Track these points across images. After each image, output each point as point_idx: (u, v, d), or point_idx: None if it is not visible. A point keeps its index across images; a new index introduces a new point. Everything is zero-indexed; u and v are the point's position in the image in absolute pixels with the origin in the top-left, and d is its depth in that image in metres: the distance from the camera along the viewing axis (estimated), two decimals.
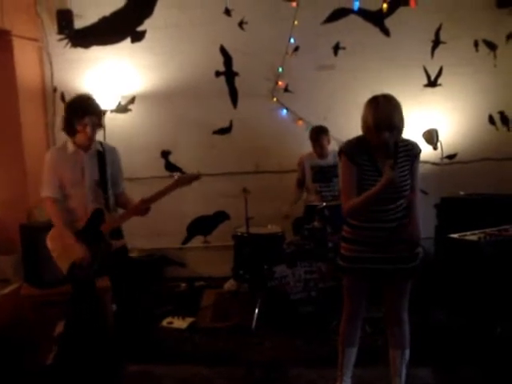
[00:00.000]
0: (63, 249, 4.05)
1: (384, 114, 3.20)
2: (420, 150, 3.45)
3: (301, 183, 6.04)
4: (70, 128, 4.03)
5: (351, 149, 3.37)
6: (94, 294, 4.19)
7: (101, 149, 4.16)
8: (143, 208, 4.09)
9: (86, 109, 3.98)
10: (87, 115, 3.96)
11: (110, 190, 4.19)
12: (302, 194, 6.08)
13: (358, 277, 3.46)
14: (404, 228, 3.34)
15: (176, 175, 4.19)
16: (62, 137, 6.53)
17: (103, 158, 4.14)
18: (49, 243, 4.17)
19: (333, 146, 5.90)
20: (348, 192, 3.32)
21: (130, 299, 4.35)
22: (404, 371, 3.55)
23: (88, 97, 4.12)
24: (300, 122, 6.57)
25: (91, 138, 4.05)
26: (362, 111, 3.31)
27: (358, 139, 3.41)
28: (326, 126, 5.92)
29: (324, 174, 5.86)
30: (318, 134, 5.81)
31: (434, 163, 6.48)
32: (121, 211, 4.31)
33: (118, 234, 4.23)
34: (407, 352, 3.55)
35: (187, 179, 4.14)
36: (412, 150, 3.40)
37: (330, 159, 5.82)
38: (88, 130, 3.97)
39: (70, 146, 4.09)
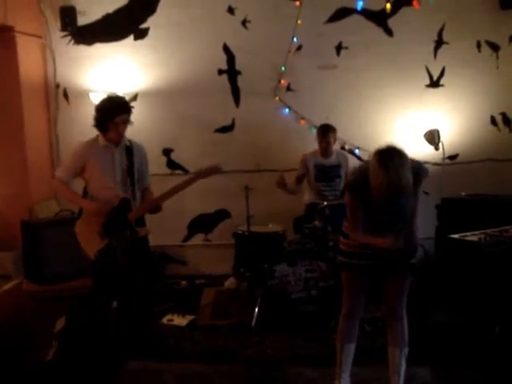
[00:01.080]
0: (90, 233, 4.20)
1: (391, 176, 3.08)
2: (426, 175, 3.38)
3: (300, 180, 6.01)
4: (101, 126, 4.21)
5: (357, 188, 3.34)
6: (117, 282, 4.29)
7: (129, 144, 4.36)
8: (156, 206, 4.43)
9: (117, 109, 4.18)
10: (118, 115, 4.15)
11: (137, 184, 4.39)
12: (299, 190, 6.02)
13: (357, 272, 3.49)
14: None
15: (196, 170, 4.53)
16: (64, 133, 6.66)
17: (131, 152, 4.35)
18: (76, 229, 4.31)
19: (335, 146, 5.92)
20: (354, 225, 3.40)
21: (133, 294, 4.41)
22: (403, 370, 3.56)
23: (118, 96, 4.40)
24: (302, 121, 6.57)
25: (122, 135, 4.26)
26: (372, 165, 3.19)
27: (363, 176, 3.27)
28: (333, 126, 5.92)
29: (326, 174, 5.85)
30: (326, 131, 5.81)
31: (435, 164, 6.47)
32: None
33: (141, 222, 4.43)
34: (406, 350, 3.56)
35: (206, 173, 4.49)
36: (418, 174, 3.28)
37: (333, 159, 5.83)
38: (120, 128, 4.19)
39: (102, 141, 4.26)
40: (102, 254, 4.17)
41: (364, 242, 3.33)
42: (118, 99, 4.30)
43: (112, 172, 4.26)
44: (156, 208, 4.44)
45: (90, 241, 4.21)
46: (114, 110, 4.15)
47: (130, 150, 4.35)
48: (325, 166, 5.88)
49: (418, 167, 3.33)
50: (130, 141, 4.38)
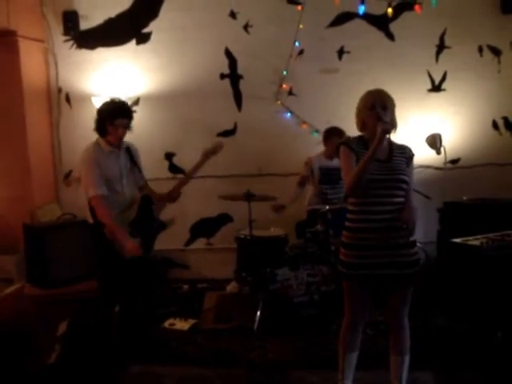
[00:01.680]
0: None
1: (377, 94, 3.44)
2: (413, 154, 3.55)
3: (302, 183, 6.01)
4: (101, 128, 4.21)
5: (349, 141, 3.49)
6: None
7: (127, 146, 4.40)
8: (176, 194, 4.60)
9: (118, 112, 4.18)
10: (119, 118, 4.16)
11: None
12: (301, 194, 6.04)
13: (358, 283, 3.46)
14: (399, 215, 3.34)
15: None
16: (66, 137, 6.67)
17: (131, 153, 4.39)
18: (110, 235, 4.14)
19: None
20: (348, 172, 3.38)
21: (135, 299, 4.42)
22: (405, 376, 3.56)
23: (121, 100, 4.32)
24: (304, 126, 6.58)
25: (121, 139, 4.26)
26: (357, 106, 3.52)
27: (356, 137, 3.55)
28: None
29: (330, 176, 5.85)
30: (342, 134, 5.79)
31: (437, 168, 6.48)
32: None
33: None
34: (407, 358, 3.55)
35: (213, 150, 4.71)
36: (406, 152, 3.51)
37: (337, 161, 5.81)
38: (119, 131, 4.18)
39: (104, 145, 4.23)
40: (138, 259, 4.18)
41: (362, 165, 3.26)
42: (120, 103, 4.28)
43: (119, 176, 4.25)
44: (176, 197, 4.60)
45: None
46: (115, 113, 4.15)
47: (130, 152, 4.38)
48: (329, 169, 5.88)
49: (406, 147, 3.57)
50: (125, 142, 4.39)
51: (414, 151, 3.55)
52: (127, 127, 4.25)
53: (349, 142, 3.46)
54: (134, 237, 4.16)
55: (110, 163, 4.20)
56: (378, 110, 3.34)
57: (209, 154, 4.68)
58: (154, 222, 4.42)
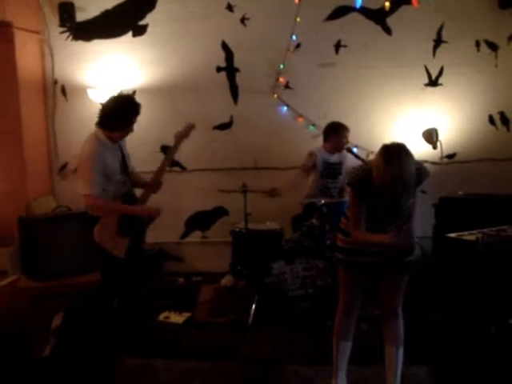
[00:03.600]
0: (112, 237, 4.18)
1: (400, 172, 3.15)
2: (427, 176, 3.45)
3: (307, 170, 5.94)
4: (113, 125, 4.13)
5: (358, 179, 3.36)
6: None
7: None
8: (156, 184, 4.48)
9: (135, 111, 4.18)
10: (135, 117, 4.20)
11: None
12: (301, 180, 5.98)
13: (354, 269, 3.48)
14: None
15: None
16: (61, 129, 6.64)
17: (121, 147, 4.33)
18: (97, 237, 4.20)
19: None
20: (356, 223, 3.38)
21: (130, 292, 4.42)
22: (400, 368, 3.57)
23: (131, 97, 4.38)
24: (300, 119, 6.57)
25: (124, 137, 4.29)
26: (377, 158, 3.26)
27: (366, 173, 3.33)
28: (326, 123, 5.93)
29: (332, 171, 5.85)
30: (346, 131, 5.79)
31: (433, 162, 6.47)
32: None
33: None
34: (402, 348, 3.57)
35: (185, 132, 4.65)
36: (420, 174, 3.36)
37: (336, 156, 5.81)
38: (132, 127, 4.22)
39: (104, 138, 4.15)
40: (131, 250, 4.22)
41: (365, 240, 3.32)
42: (133, 101, 4.22)
43: (119, 167, 4.24)
44: (158, 186, 4.50)
45: (116, 244, 4.18)
46: (132, 113, 4.15)
47: (120, 145, 4.33)
48: (330, 163, 5.87)
49: (420, 168, 3.39)
50: None
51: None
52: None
53: (357, 182, 3.35)
54: (123, 235, 4.18)
55: (111, 156, 4.17)
56: (399, 190, 3.18)
57: (181, 136, 4.63)
58: (139, 219, 4.35)
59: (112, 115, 4.10)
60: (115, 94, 4.38)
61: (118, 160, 4.24)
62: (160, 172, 4.49)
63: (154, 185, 4.47)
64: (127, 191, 4.33)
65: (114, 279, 4.29)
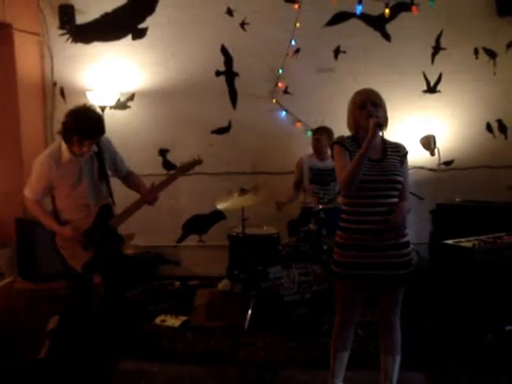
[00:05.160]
0: (72, 246, 4.02)
1: (366, 93, 3.46)
2: (407, 151, 3.54)
3: (297, 185, 6.07)
4: (67, 138, 3.92)
5: (343, 140, 3.47)
6: (90, 289, 4.23)
7: (96, 149, 4.10)
8: (152, 197, 4.26)
9: (90, 134, 3.89)
10: (89, 139, 3.90)
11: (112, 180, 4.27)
12: (298, 196, 6.11)
13: (351, 283, 3.46)
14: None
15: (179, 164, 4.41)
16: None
17: (100, 156, 4.13)
18: (59, 241, 4.09)
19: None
20: (342, 171, 3.34)
21: (123, 296, 4.39)
22: (395, 376, 3.56)
23: (98, 120, 3.97)
24: (298, 124, 6.58)
25: (84, 154, 4.01)
26: (348, 107, 3.52)
27: (349, 136, 3.53)
28: (329, 128, 5.95)
29: (322, 177, 5.87)
30: (318, 130, 5.88)
31: (430, 169, 6.51)
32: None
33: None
34: (398, 358, 3.56)
35: (188, 166, 4.41)
36: (400, 150, 3.51)
37: (329, 163, 5.82)
38: (84, 149, 3.93)
39: (66, 153, 3.99)
40: (89, 266, 4.03)
41: (356, 161, 3.24)
42: (95, 123, 3.92)
43: (79, 184, 4.04)
44: (153, 200, 4.28)
45: (74, 254, 4.03)
46: (87, 134, 3.86)
47: (98, 155, 4.12)
48: (321, 169, 5.90)
49: (400, 144, 3.57)
50: (97, 143, 4.08)
51: (408, 152, 3.54)
52: (93, 145, 4.01)
53: (342, 141, 3.45)
54: (86, 249, 4.02)
55: (68, 171, 4.00)
56: (369, 108, 3.35)
57: (184, 170, 4.44)
58: (109, 235, 4.15)
59: (67, 129, 3.91)
60: (80, 105, 4.05)
61: (79, 176, 4.03)
62: (157, 188, 4.29)
63: (148, 198, 4.26)
64: (104, 205, 4.17)
65: (74, 288, 4.21)
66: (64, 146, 3.98)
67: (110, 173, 4.28)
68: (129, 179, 4.45)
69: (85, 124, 3.86)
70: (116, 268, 4.29)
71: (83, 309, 4.22)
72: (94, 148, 4.07)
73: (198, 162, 4.50)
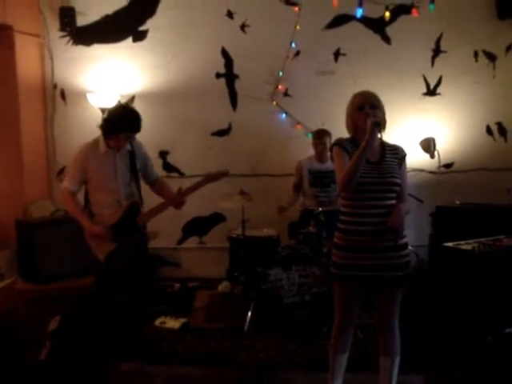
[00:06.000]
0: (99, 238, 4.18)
1: (364, 95, 3.48)
2: (406, 154, 3.55)
3: (297, 187, 6.08)
4: (107, 131, 4.20)
5: (342, 142, 3.49)
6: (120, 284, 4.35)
7: (130, 148, 4.33)
8: (179, 201, 4.48)
9: (128, 126, 4.17)
10: (127, 132, 4.18)
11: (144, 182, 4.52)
12: (297, 198, 6.12)
13: (350, 285, 3.46)
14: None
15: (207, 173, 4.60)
16: (60, 133, 6.66)
17: (133, 156, 4.35)
18: (86, 233, 4.25)
19: None
20: (341, 171, 3.35)
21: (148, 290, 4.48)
22: (394, 378, 3.56)
23: (134, 111, 4.26)
24: (299, 127, 6.59)
25: (121, 147, 4.26)
26: (346, 109, 3.54)
27: (348, 138, 3.54)
28: (329, 131, 5.95)
29: (322, 179, 5.89)
30: (321, 134, 5.88)
31: (430, 172, 6.51)
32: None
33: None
34: (397, 360, 3.56)
35: (216, 176, 4.57)
36: (398, 152, 3.52)
37: (329, 164, 5.83)
38: (121, 141, 4.20)
39: (102, 146, 4.24)
40: (111, 257, 4.19)
41: (355, 160, 3.25)
42: (131, 116, 4.22)
43: (114, 177, 4.26)
44: (180, 204, 4.51)
45: (99, 244, 4.19)
46: (124, 126, 4.15)
47: (132, 155, 4.35)
48: (321, 172, 5.91)
49: (398, 147, 3.57)
50: (130, 143, 4.34)
51: (408, 155, 3.55)
52: (131, 137, 4.28)
53: (341, 143, 3.47)
54: (114, 242, 4.20)
55: (104, 162, 4.23)
56: (367, 110, 3.37)
57: (209, 180, 4.59)
58: (135, 231, 4.35)
59: (107, 122, 4.20)
60: (121, 102, 4.45)
61: (114, 170, 4.27)
62: (184, 193, 4.49)
63: (175, 201, 4.49)
64: (133, 202, 4.34)
65: (98, 281, 4.36)
66: (102, 139, 4.24)
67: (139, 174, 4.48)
68: (157, 185, 4.65)
69: (126, 116, 4.18)
70: (140, 263, 4.45)
71: (109, 300, 4.34)
72: (128, 147, 4.31)
73: (225, 173, 4.65)
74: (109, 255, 4.19)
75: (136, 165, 4.37)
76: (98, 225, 4.18)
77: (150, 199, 4.64)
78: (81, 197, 4.39)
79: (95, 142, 4.27)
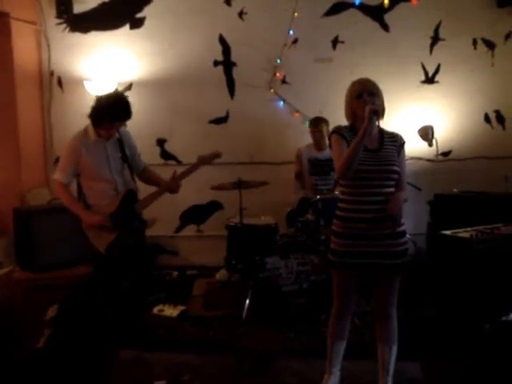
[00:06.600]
0: (98, 228, 4.14)
1: (363, 83, 3.47)
2: (404, 141, 3.54)
3: (299, 175, 6.04)
4: (97, 121, 4.12)
5: (340, 129, 3.49)
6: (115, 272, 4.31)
7: (118, 136, 4.29)
8: (174, 185, 4.45)
9: (120, 114, 4.12)
10: (119, 121, 4.14)
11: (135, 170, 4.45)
12: (303, 186, 6.07)
13: (348, 272, 3.47)
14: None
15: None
16: (57, 120, 6.64)
17: (122, 144, 4.30)
18: (83, 225, 4.22)
19: None
20: (340, 158, 3.35)
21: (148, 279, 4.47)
22: (392, 365, 3.57)
23: (124, 99, 4.18)
24: (296, 114, 6.58)
25: (112, 136, 4.22)
26: (345, 97, 3.54)
27: (346, 125, 3.54)
28: (326, 119, 5.95)
29: (321, 167, 5.88)
30: (318, 122, 5.87)
31: (428, 160, 6.51)
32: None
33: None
34: (395, 347, 3.57)
35: (208, 158, 4.56)
36: (397, 140, 3.51)
37: (328, 152, 5.82)
38: (113, 130, 4.16)
39: (92, 134, 4.18)
40: (112, 248, 4.15)
41: (353, 147, 3.24)
42: (124, 104, 4.15)
43: (107, 165, 4.21)
44: (175, 188, 4.50)
45: (99, 235, 4.15)
46: (117, 114, 4.09)
47: (121, 142, 4.30)
48: (319, 160, 5.91)
49: (397, 134, 3.57)
50: (118, 131, 4.29)
51: (406, 143, 3.54)
52: (121, 126, 4.26)
53: (340, 131, 3.46)
54: (112, 231, 4.16)
55: (95, 151, 4.17)
56: (365, 98, 3.36)
57: (203, 162, 4.56)
58: (133, 219, 4.31)
59: (96, 111, 4.11)
60: (111, 90, 4.42)
61: (106, 158, 4.22)
62: (178, 178, 4.47)
63: (169, 186, 4.46)
64: (130, 190, 4.30)
65: (97, 270, 4.33)
66: (91, 129, 4.18)
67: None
68: (145, 174, 4.61)
69: (116, 103, 4.09)
70: (139, 251, 4.43)
71: (108, 291, 4.31)
72: (116, 135, 4.26)
73: (217, 155, 4.64)
74: (109, 246, 4.14)
75: (126, 152, 4.32)
76: (96, 214, 4.15)
77: (143, 187, 4.61)
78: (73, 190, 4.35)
79: (85, 132, 4.21)
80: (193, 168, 4.51)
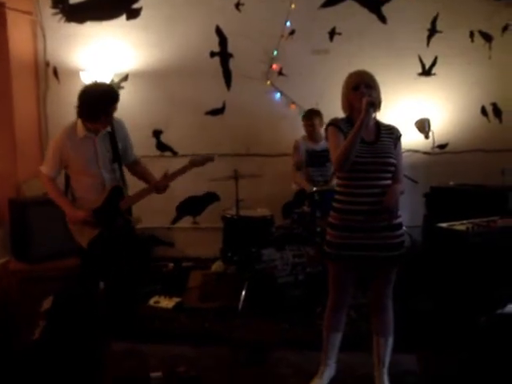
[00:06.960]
0: (82, 225, 4.10)
1: (360, 75, 3.46)
2: (401, 134, 3.54)
3: (299, 167, 5.99)
4: (92, 116, 4.01)
5: (337, 121, 3.48)
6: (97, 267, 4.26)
7: (109, 129, 4.17)
8: (163, 184, 4.34)
9: (111, 99, 4.01)
10: (112, 105, 4.03)
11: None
12: (303, 176, 6.03)
13: (344, 264, 3.47)
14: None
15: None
16: (53, 111, 6.61)
17: (114, 136, 4.20)
18: (67, 216, 4.19)
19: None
20: (336, 150, 3.34)
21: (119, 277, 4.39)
22: (388, 357, 3.58)
23: (106, 84, 4.18)
24: (293, 106, 6.56)
25: (105, 129, 4.13)
26: (342, 88, 3.52)
27: (343, 118, 3.53)
28: (319, 110, 5.93)
29: (318, 159, 5.87)
30: (310, 115, 5.86)
31: (425, 152, 6.51)
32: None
33: (127, 210, 4.35)
34: (391, 339, 3.58)
35: (201, 161, 4.46)
36: (394, 132, 3.51)
37: (323, 143, 5.81)
38: (111, 118, 4.08)
39: (80, 130, 4.08)
40: (94, 244, 4.10)
41: (350, 139, 3.23)
42: (108, 89, 4.07)
43: (95, 162, 4.11)
44: (163, 189, 4.37)
45: (82, 230, 4.11)
46: (108, 102, 3.99)
47: (112, 135, 4.18)
48: (316, 151, 5.90)
49: (394, 127, 3.57)
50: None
51: (403, 135, 3.54)
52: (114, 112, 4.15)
53: (337, 123, 3.45)
54: (95, 226, 4.11)
55: (83, 147, 4.08)
56: (362, 90, 3.35)
57: (194, 165, 4.46)
58: (117, 216, 4.22)
59: (87, 106, 3.98)
60: (90, 82, 4.31)
61: (94, 154, 4.11)
62: (169, 177, 4.36)
63: (158, 186, 4.34)
64: (116, 187, 4.22)
65: (83, 264, 4.28)
66: (79, 123, 4.08)
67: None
68: (135, 167, 4.52)
69: (103, 92, 4.00)
70: (125, 247, 4.35)
71: (89, 287, 4.30)
72: (108, 128, 4.16)
73: (211, 159, 4.55)
74: (91, 242, 4.09)
75: (117, 147, 4.22)
76: (80, 209, 4.10)
77: (134, 181, 4.54)
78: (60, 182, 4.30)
79: (73, 127, 4.11)
80: (184, 170, 4.42)
